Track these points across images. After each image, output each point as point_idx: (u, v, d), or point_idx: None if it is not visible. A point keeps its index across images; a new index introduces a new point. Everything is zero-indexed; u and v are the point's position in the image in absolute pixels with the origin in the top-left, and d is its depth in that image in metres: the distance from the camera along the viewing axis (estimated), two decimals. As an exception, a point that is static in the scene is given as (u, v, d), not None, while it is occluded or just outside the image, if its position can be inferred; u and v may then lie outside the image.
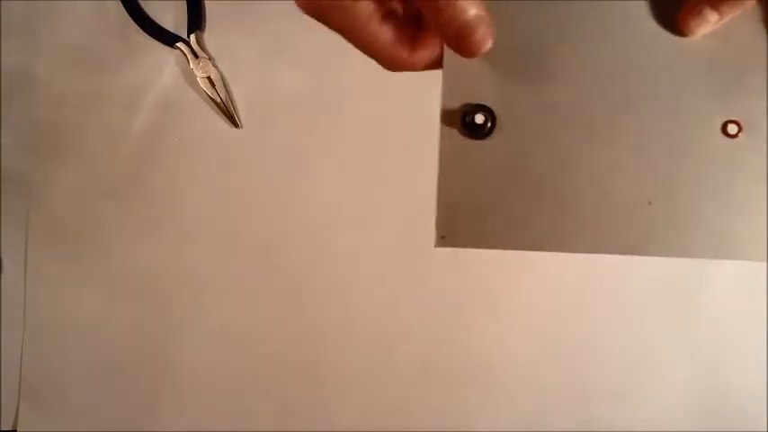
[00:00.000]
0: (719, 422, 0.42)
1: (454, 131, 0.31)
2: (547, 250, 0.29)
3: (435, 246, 0.29)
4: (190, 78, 0.44)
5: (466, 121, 0.31)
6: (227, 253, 0.44)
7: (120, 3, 0.44)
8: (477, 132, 0.30)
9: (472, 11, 0.26)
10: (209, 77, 0.44)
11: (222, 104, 0.44)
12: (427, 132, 0.43)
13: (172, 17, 0.45)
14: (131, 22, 0.44)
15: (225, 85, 0.44)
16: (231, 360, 0.44)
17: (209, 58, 0.44)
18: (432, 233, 0.43)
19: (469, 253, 0.43)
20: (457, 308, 0.43)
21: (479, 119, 0.30)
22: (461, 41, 0.27)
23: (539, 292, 0.42)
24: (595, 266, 0.42)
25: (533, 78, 0.30)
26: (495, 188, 0.29)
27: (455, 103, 0.30)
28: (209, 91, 0.44)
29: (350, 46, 0.30)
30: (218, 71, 0.44)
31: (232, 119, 0.44)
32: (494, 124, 0.30)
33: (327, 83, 0.43)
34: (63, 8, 0.45)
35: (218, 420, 0.43)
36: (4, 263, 0.45)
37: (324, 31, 0.29)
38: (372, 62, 0.41)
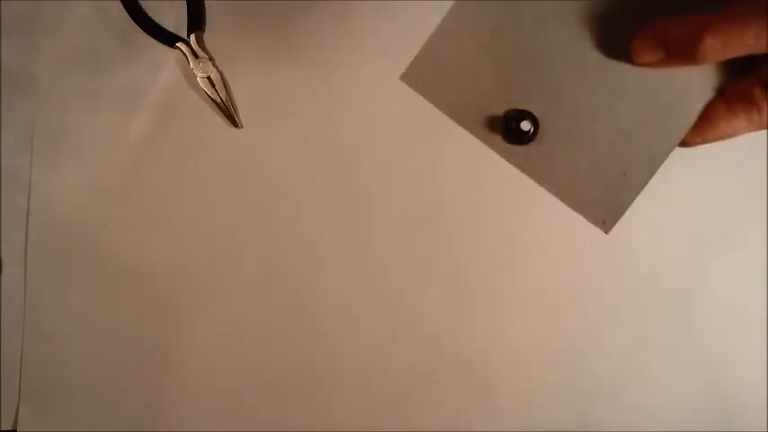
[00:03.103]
0: (719, 422, 0.42)
1: (497, 137, 0.31)
2: None
3: (607, 232, 0.30)
4: (190, 78, 0.44)
5: (510, 128, 0.31)
6: (227, 253, 0.44)
7: (120, 3, 0.44)
8: (523, 138, 0.31)
9: None
10: (209, 78, 0.44)
11: (222, 104, 0.44)
12: (428, 132, 0.43)
13: (172, 17, 0.45)
14: (131, 22, 0.44)
15: (225, 86, 0.44)
16: (231, 360, 0.44)
17: (210, 59, 0.44)
18: (431, 233, 0.44)
19: (469, 253, 0.43)
20: (457, 308, 0.43)
21: (525, 126, 0.31)
22: None
23: (539, 292, 0.42)
24: (595, 266, 0.42)
25: (561, 79, 0.31)
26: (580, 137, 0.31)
27: (498, 110, 0.31)
28: (210, 91, 0.44)
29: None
30: (219, 71, 0.44)
31: (232, 119, 0.44)
32: (536, 129, 0.31)
33: (327, 83, 0.43)
34: (63, 8, 0.45)
35: (218, 420, 0.43)
36: (4, 263, 0.45)
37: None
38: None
